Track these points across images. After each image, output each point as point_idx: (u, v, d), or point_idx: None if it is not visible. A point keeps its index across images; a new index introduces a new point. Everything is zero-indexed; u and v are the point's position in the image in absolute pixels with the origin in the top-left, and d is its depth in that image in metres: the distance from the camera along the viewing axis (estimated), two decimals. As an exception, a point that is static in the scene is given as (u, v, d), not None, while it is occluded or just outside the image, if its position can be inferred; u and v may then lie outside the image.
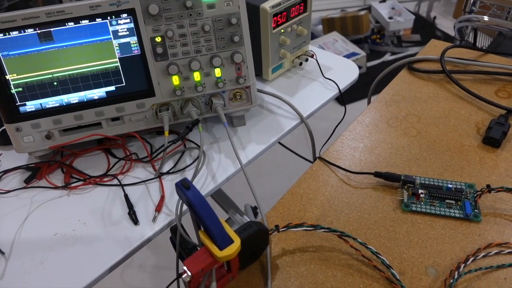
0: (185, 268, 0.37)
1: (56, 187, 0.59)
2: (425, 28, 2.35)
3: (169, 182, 0.59)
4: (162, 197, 0.56)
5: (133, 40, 0.57)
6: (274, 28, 0.70)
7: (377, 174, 0.50)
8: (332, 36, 2.21)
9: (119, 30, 0.56)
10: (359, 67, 2.18)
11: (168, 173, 0.60)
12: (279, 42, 0.73)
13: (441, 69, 0.65)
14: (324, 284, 0.41)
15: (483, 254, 0.42)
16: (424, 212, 0.47)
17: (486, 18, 0.99)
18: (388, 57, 2.16)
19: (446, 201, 0.47)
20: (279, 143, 0.72)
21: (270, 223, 0.47)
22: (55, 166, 0.62)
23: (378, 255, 0.42)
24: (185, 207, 0.54)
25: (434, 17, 2.43)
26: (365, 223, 0.46)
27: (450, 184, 0.49)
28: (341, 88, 0.76)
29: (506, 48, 1.36)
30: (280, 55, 0.75)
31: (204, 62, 0.60)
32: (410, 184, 0.49)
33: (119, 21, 0.56)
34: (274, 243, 0.45)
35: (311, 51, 0.80)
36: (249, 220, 0.53)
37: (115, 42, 0.57)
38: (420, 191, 0.48)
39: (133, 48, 0.58)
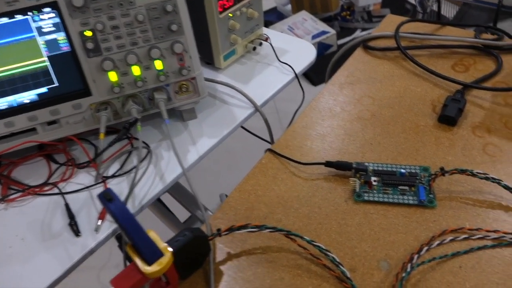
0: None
1: (-8, 201, 0.55)
2: (395, 2, 2.31)
3: (115, 186, 0.55)
4: (106, 203, 0.53)
5: (61, 36, 0.52)
6: (220, 12, 0.66)
7: (328, 164, 0.47)
8: (301, 15, 2.16)
9: (43, 26, 0.51)
10: (330, 46, 2.15)
11: (113, 176, 0.56)
12: (228, 27, 0.69)
13: (396, 45, 0.62)
14: (271, 288, 0.38)
15: (437, 242, 0.40)
16: (377, 201, 0.44)
17: (446, -12, 0.96)
18: (359, 33, 2.12)
19: (400, 187, 0.45)
20: (242, 127, 0.69)
21: (216, 225, 0.44)
22: (-8, 177, 0.58)
23: (328, 253, 0.39)
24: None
25: (404, -10, 2.39)
26: (316, 217, 0.43)
27: (403, 169, 0.46)
28: (297, 71, 0.72)
29: (472, 18, 1.33)
30: (231, 40, 0.71)
31: (142, 55, 0.56)
32: (362, 172, 0.46)
33: (42, 16, 0.51)
34: (219, 248, 0.42)
35: (265, 34, 0.76)
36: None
37: (41, 40, 0.52)
38: (373, 178, 0.46)
39: (61, 45, 0.53)
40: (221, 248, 0.42)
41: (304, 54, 0.76)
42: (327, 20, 2.17)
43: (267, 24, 2.19)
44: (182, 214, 0.92)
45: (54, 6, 0.51)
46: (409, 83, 0.58)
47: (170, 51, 0.56)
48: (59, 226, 0.51)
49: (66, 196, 0.54)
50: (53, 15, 0.51)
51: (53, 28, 0.52)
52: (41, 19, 0.51)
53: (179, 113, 0.64)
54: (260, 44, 0.76)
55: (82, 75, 0.55)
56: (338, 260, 0.39)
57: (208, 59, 0.73)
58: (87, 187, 0.55)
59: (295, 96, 0.74)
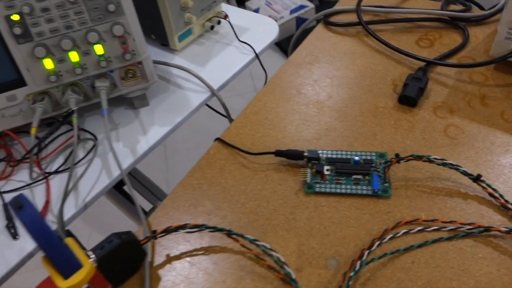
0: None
1: None
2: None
3: (58, 183, 0.51)
4: (47, 202, 0.49)
5: (-15, 21, 0.47)
6: (170, -11, 0.61)
7: (278, 153, 0.44)
8: (278, -12, 2.09)
9: (-37, 11, 0.46)
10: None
11: (57, 172, 0.52)
12: (181, 5, 0.64)
13: (358, 20, 0.58)
14: (211, 293, 0.35)
15: (390, 236, 0.37)
16: (329, 193, 0.41)
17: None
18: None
19: (354, 176, 0.41)
20: (206, 104, 0.65)
21: (157, 224, 0.41)
22: None
23: (272, 252, 0.36)
24: (72, 211, 0.48)
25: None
26: (263, 213, 0.40)
27: (357, 156, 0.43)
28: (258, 51, 0.68)
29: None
30: (185, 20, 0.66)
31: (79, 39, 0.51)
32: (315, 160, 0.43)
33: (-40, 0, 0.46)
34: (157, 251, 0.38)
35: (223, 11, 0.71)
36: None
37: (-38, 26, 0.47)
38: (325, 167, 0.42)
39: (-14, 31, 0.48)
40: (159, 250, 0.39)
41: (266, 32, 0.71)
42: (306, -7, 2.10)
43: (245, 0, 2.12)
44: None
45: (-27, -12, 0.45)
46: (370, 61, 0.54)
47: (110, 34, 0.52)
48: (-4, 229, 0.48)
49: (4, 195, 0.50)
50: (-28, -2, 0.46)
51: (-26, 13, 0.47)
52: (-40, 3, 0.46)
53: (129, 100, 0.60)
54: (219, 22, 0.71)
55: (14, 63, 0.50)
56: (283, 260, 0.36)
57: (162, 40, 0.68)
58: (28, 185, 0.51)
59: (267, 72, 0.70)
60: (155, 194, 0.76)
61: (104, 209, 1.02)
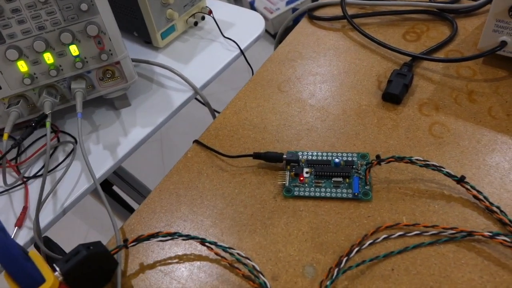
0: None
1: None
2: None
3: (38, 188, 0.50)
4: (25, 208, 0.48)
5: (-47, 23, 0.46)
6: (149, -15, 0.59)
7: (256, 156, 0.42)
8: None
9: None
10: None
11: (35, 176, 0.51)
12: (161, 2, 0.62)
13: (343, 14, 0.56)
14: (184, 304, 0.34)
15: (369, 242, 0.36)
16: (308, 196, 0.40)
17: None
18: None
19: (334, 179, 0.40)
20: (196, 98, 0.63)
21: (131, 232, 0.40)
22: None
23: (247, 261, 0.35)
24: (50, 217, 0.47)
25: None
26: (240, 218, 0.39)
27: (338, 157, 0.41)
28: (243, 47, 0.66)
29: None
30: (167, 16, 0.64)
31: (52, 40, 0.49)
32: (294, 163, 0.41)
33: None
34: (130, 259, 0.37)
35: (207, 7, 0.70)
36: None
37: None
38: (305, 170, 0.41)
39: (-44, 34, 0.47)
40: (133, 259, 0.37)
41: (252, 27, 0.69)
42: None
43: (240, -10, 2.09)
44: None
45: None
46: (355, 57, 0.52)
47: (85, 34, 0.50)
48: (-29, 237, 0.46)
49: (-20, 202, 0.49)
50: None
51: None
52: None
53: (109, 101, 0.59)
54: (203, 18, 0.69)
55: (-14, 66, 0.49)
56: (258, 268, 0.35)
57: (145, 38, 0.67)
58: (6, 190, 0.50)
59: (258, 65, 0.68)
60: (142, 194, 0.75)
61: (101, 207, 1.01)
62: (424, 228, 0.36)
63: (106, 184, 0.78)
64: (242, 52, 0.65)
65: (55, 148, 0.54)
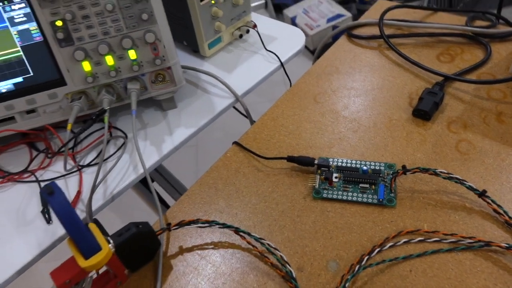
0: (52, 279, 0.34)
1: (-27, 187, 0.57)
2: (416, -18, 2.21)
3: (91, 175, 0.56)
4: (78, 192, 0.53)
5: (33, 26, 0.53)
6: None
7: (290, 159, 0.46)
8: (317, -3, 2.11)
9: (15, 17, 0.52)
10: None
11: (89, 165, 0.57)
12: (211, 15, 0.67)
13: (380, 34, 0.59)
14: (218, 285, 0.38)
15: (390, 244, 0.38)
16: (336, 199, 0.43)
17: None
18: (375, 16, 2.05)
19: (361, 185, 0.43)
20: (234, 107, 0.68)
21: (173, 218, 0.44)
22: (-25, 164, 0.59)
23: (276, 251, 0.39)
24: (100, 202, 0.52)
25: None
26: (271, 214, 0.43)
27: (366, 165, 0.44)
28: (284, 60, 0.70)
29: (489, 1, 1.27)
30: (215, 28, 0.69)
31: (115, 45, 0.55)
32: (324, 168, 0.45)
33: (13, 7, 0.51)
34: (171, 242, 0.42)
35: (252, 21, 0.75)
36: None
37: (13, 30, 0.52)
38: (334, 175, 0.44)
39: (34, 35, 0.53)
40: (173, 241, 0.42)
41: (292, 41, 0.74)
42: (344, 3, 2.11)
43: (282, 7, 2.15)
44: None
45: (24, -4, 0.51)
46: (389, 74, 0.56)
47: (143, 40, 0.56)
48: (33, 214, 0.52)
49: (42, 183, 0.55)
50: (23, 5, 0.51)
51: (24, 18, 0.52)
52: (12, 9, 0.51)
53: (157, 103, 0.64)
54: (247, 31, 0.74)
55: (56, 64, 0.55)
56: (285, 259, 0.38)
57: (194, 47, 0.72)
58: (63, 175, 0.56)
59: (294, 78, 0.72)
60: (178, 191, 0.80)
61: (132, 201, 1.07)
62: (443, 235, 0.38)
63: (144, 178, 0.84)
64: (282, 64, 0.69)
65: (108, 141, 0.60)
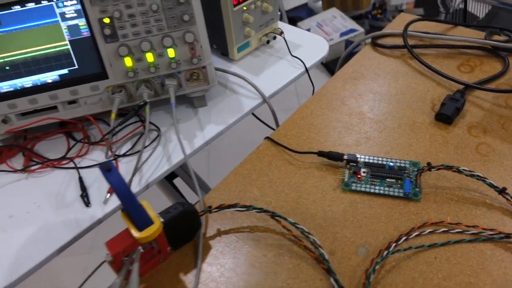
0: (106, 248, 0.37)
1: (15, 171, 0.60)
2: (428, 1, 2.27)
3: (125, 164, 0.59)
4: (116, 179, 0.57)
5: (82, 22, 0.57)
6: (235, 5, 0.69)
7: (320, 154, 0.49)
8: (331, 12, 2.16)
9: (66, 12, 0.56)
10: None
11: (124, 155, 0.60)
12: (243, 20, 0.71)
13: (404, 44, 0.63)
14: (255, 264, 0.41)
15: (416, 233, 0.41)
16: (364, 191, 0.46)
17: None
18: (387, 32, 2.09)
19: (387, 180, 0.46)
20: (253, 114, 0.71)
21: (209, 203, 0.47)
22: (16, 150, 0.63)
23: (309, 235, 0.41)
24: (136, 189, 0.55)
25: (438, -11, 2.34)
26: (303, 203, 0.46)
27: (392, 162, 0.48)
28: (308, 66, 0.74)
29: (502, 20, 1.31)
30: (245, 33, 0.73)
31: (156, 43, 0.59)
32: (353, 163, 0.48)
33: (65, 3, 0.55)
34: (210, 224, 0.45)
35: (279, 28, 0.79)
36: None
37: (63, 25, 0.56)
38: (362, 170, 0.47)
39: (82, 30, 0.57)
40: (211, 224, 0.45)
41: (317, 49, 0.78)
42: (357, 18, 2.16)
43: (297, 20, 2.20)
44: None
45: (77, -6, 0.55)
46: (412, 81, 0.59)
47: (182, 40, 0.60)
48: (72, 197, 0.56)
49: (80, 170, 0.59)
50: (75, 2, 0.55)
51: (75, 14, 0.56)
52: (65, 6, 0.55)
53: (189, 100, 0.68)
54: (274, 37, 0.78)
55: (100, 59, 0.59)
56: (318, 242, 0.41)
57: (223, 50, 0.76)
58: (99, 163, 0.60)
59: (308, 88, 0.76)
60: (200, 187, 0.83)
61: (152, 196, 1.10)
62: (465, 227, 0.41)
63: (170, 176, 0.87)
64: (307, 70, 0.73)
65: (141, 135, 0.63)
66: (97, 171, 0.59)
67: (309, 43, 0.80)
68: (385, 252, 0.40)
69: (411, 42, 0.65)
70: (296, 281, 0.39)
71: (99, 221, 0.53)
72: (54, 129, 0.65)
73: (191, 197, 1.01)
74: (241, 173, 0.50)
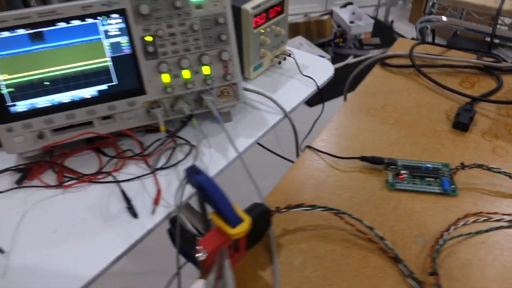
0: (199, 247, 0.39)
1: (50, 186, 0.59)
2: (384, 32, 2.46)
3: (163, 177, 0.60)
4: (159, 191, 0.58)
5: (124, 39, 0.59)
6: (254, 28, 0.74)
7: (363, 158, 0.54)
8: (297, 40, 2.28)
9: (110, 30, 0.58)
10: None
11: (161, 168, 0.62)
12: (260, 42, 0.76)
13: (410, 63, 0.71)
14: (325, 257, 0.44)
15: (462, 223, 0.47)
16: (408, 190, 0.51)
17: (444, 18, 1.07)
18: (351, 59, 2.25)
19: (426, 179, 0.52)
20: (258, 143, 0.76)
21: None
22: (46, 166, 0.62)
23: (372, 229, 0.46)
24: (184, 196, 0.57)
25: (392, 21, 2.56)
26: (357, 202, 0.50)
27: (429, 164, 0.54)
28: (319, 84, 0.80)
29: (462, 46, 1.46)
30: (260, 54, 0.78)
31: (193, 60, 0.62)
32: (393, 166, 0.53)
33: (110, 21, 0.57)
34: (275, 224, 0.48)
35: (288, 50, 0.84)
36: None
37: (106, 42, 0.58)
38: (402, 171, 0.53)
39: (123, 48, 0.59)
40: (277, 224, 0.48)
41: (323, 70, 0.84)
42: (321, 46, 2.30)
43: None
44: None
45: (122, 13, 0.57)
46: (424, 95, 0.67)
47: (218, 58, 0.63)
48: (117, 210, 0.56)
49: (120, 184, 0.59)
50: (120, 20, 0.58)
51: (118, 32, 0.58)
52: (109, 24, 0.57)
53: (212, 116, 0.71)
54: (285, 58, 0.84)
55: (139, 75, 0.61)
56: (381, 235, 0.45)
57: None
58: (138, 177, 0.60)
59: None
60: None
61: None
62: (501, 215, 0.48)
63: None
64: (318, 88, 0.79)
65: (174, 149, 0.65)
66: (136, 184, 0.60)
67: (315, 64, 0.86)
68: (440, 240, 0.45)
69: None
70: (368, 269, 0.43)
71: (150, 231, 0.54)
72: (82, 145, 0.65)
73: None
74: (292, 178, 0.53)
